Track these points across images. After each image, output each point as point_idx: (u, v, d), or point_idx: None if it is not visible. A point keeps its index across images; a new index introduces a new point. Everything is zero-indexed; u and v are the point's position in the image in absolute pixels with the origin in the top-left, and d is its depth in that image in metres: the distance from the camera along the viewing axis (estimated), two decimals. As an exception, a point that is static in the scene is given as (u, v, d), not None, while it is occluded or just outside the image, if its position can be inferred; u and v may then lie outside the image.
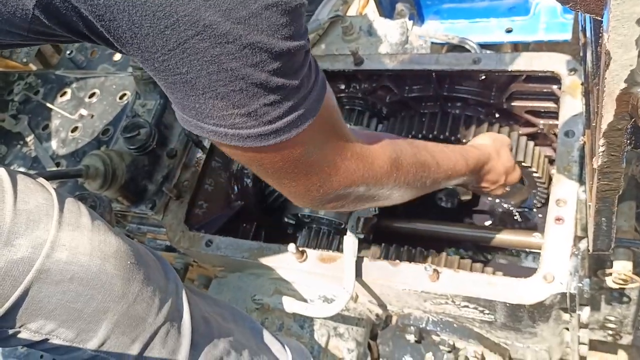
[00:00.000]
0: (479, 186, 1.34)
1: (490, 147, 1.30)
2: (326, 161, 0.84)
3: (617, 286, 1.13)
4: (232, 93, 0.68)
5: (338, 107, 0.89)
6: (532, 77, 1.37)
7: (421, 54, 1.47)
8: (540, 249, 1.51)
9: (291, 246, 1.28)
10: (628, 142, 0.59)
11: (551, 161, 1.54)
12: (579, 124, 1.22)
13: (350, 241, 1.23)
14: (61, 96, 1.82)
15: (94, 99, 1.76)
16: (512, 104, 1.47)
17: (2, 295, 0.69)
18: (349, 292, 1.18)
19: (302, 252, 1.29)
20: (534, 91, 1.41)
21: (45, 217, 0.74)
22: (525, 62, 1.33)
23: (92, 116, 1.72)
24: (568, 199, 1.16)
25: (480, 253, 1.75)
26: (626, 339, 1.53)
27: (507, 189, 1.43)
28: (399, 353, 1.39)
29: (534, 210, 1.68)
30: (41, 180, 0.79)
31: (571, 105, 1.25)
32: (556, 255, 1.11)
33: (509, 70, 1.35)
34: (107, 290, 0.77)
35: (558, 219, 1.15)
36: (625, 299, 1.31)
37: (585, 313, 1.20)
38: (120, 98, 1.72)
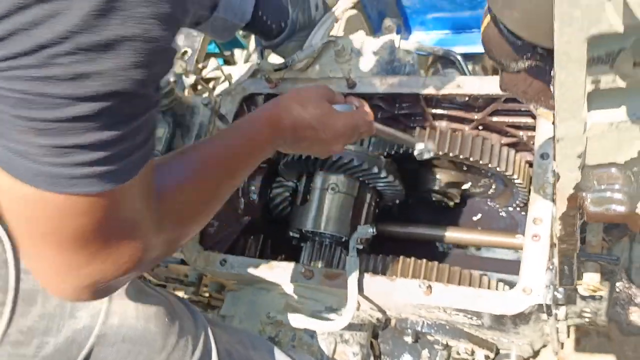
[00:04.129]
0: (303, 148, 1.17)
1: (281, 105, 1.09)
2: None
3: (587, 293, 1.29)
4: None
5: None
6: (510, 98, 1.49)
7: (409, 78, 1.58)
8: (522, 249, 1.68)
9: (298, 266, 1.43)
10: (580, 219, 0.73)
11: (531, 164, 1.68)
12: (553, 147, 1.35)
13: (352, 261, 1.38)
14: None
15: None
16: (494, 119, 1.60)
17: (70, 358, 0.83)
18: (352, 309, 1.33)
19: (309, 271, 1.44)
20: (513, 109, 1.54)
21: None
22: (505, 87, 1.45)
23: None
24: (543, 217, 1.30)
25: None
26: (602, 323, 1.71)
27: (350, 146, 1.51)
28: (399, 351, 1.56)
29: (517, 209, 1.83)
30: None
31: (545, 128, 1.38)
32: (533, 269, 1.26)
33: (490, 94, 1.47)
34: (150, 345, 0.91)
35: (535, 236, 1.30)
36: (597, 297, 1.47)
37: (561, 312, 1.36)
38: (129, 123, 1.83)
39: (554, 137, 0.57)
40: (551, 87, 0.66)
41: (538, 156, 1.36)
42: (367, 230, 1.41)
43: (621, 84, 0.49)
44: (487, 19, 0.65)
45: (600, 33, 0.43)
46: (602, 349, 2.49)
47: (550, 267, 1.25)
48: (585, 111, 0.51)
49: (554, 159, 0.58)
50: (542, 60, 0.63)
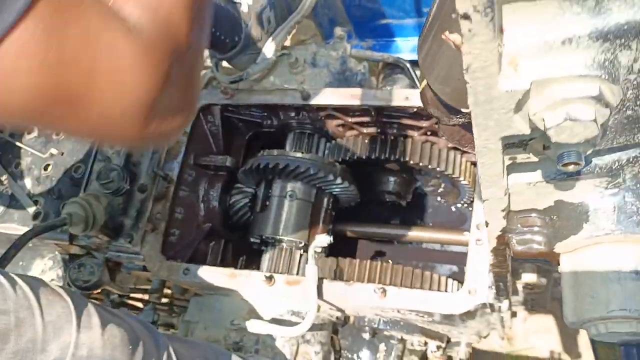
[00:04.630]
0: None
1: None
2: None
3: (527, 290, 1.42)
4: None
5: None
6: (455, 109, 1.59)
7: (362, 90, 1.65)
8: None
9: (260, 275, 1.51)
10: (509, 252, 0.83)
11: (474, 164, 1.80)
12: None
13: (311, 270, 1.46)
14: (28, 133, 1.93)
15: (61, 136, 1.88)
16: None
17: None
18: (312, 315, 1.42)
19: (270, 278, 1.52)
20: (458, 118, 1.64)
21: (66, 323, 0.94)
22: (449, 99, 1.55)
23: (62, 154, 1.85)
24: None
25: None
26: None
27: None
28: (358, 346, 1.67)
29: (465, 205, 1.95)
30: (56, 288, 0.98)
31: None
32: (477, 272, 1.38)
33: (436, 106, 1.57)
34: None
35: (478, 240, 1.41)
36: (536, 289, 1.61)
37: (504, 305, 1.48)
38: (87, 135, 1.85)
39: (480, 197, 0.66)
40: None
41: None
42: (324, 240, 1.49)
43: (534, 159, 0.58)
44: (424, 82, 0.73)
45: (511, 134, 0.51)
46: (548, 325, 2.68)
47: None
48: (505, 180, 0.60)
49: (483, 213, 0.67)
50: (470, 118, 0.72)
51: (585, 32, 0.48)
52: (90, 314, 0.99)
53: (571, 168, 0.56)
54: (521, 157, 0.58)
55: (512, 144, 0.55)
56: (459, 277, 1.81)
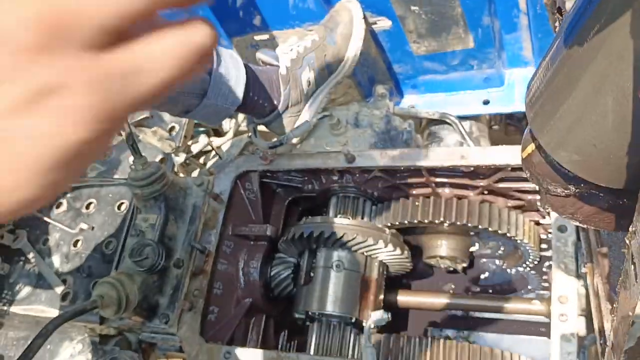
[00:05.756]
0: None
1: None
2: None
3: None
4: None
5: None
6: (517, 167, 1.45)
7: (410, 150, 1.53)
8: (539, 314, 1.61)
9: (311, 358, 1.34)
10: None
11: (538, 223, 1.63)
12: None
13: (368, 352, 1.30)
14: (57, 207, 1.84)
15: (91, 209, 1.78)
16: (500, 185, 1.55)
17: None
18: (374, 407, 1.24)
19: (322, 363, 1.35)
20: (520, 177, 1.49)
21: None
22: (511, 156, 1.41)
23: (93, 228, 1.75)
24: (569, 295, 1.24)
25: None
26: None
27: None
28: None
29: (528, 269, 1.77)
30: None
31: (559, 198, 1.33)
32: (564, 355, 1.20)
33: (496, 164, 1.43)
34: None
35: (562, 315, 1.24)
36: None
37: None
38: (119, 208, 1.75)
39: (629, 289, 0.51)
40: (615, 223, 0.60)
41: (556, 229, 1.31)
42: (381, 317, 1.34)
43: None
44: (532, 146, 0.60)
45: None
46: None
47: (583, 350, 1.19)
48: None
49: (632, 311, 0.52)
50: (597, 189, 0.58)
51: None
52: None
53: None
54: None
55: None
56: (528, 349, 1.62)
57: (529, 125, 0.59)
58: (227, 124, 2.08)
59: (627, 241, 0.48)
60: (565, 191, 0.61)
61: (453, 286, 1.91)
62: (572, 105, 0.50)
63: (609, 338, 0.72)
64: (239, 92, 1.44)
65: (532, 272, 1.78)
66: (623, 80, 0.43)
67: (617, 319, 0.63)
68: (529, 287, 1.83)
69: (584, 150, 0.51)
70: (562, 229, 1.31)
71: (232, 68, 1.42)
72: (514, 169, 1.45)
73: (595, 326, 0.95)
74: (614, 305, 0.64)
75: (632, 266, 0.49)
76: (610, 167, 0.50)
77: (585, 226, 0.65)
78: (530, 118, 0.58)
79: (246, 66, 1.48)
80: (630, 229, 0.47)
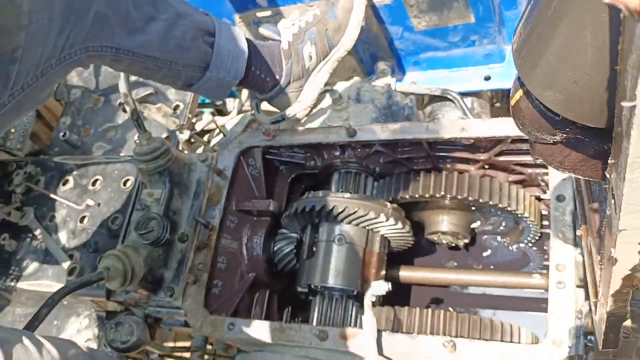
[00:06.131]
0: None
1: None
2: None
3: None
4: None
5: None
6: (517, 139, 1.45)
7: (411, 124, 1.54)
8: (540, 289, 1.63)
9: (311, 327, 1.36)
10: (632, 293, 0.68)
11: (539, 198, 1.64)
12: (568, 188, 1.32)
13: (368, 320, 1.31)
14: (64, 185, 1.86)
15: (97, 186, 1.81)
16: (500, 158, 1.56)
17: None
18: (374, 372, 1.26)
19: (324, 332, 1.37)
20: (520, 149, 1.50)
21: None
22: (511, 128, 1.42)
23: (99, 204, 1.77)
24: (567, 263, 1.25)
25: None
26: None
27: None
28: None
29: (529, 245, 1.78)
30: (89, 351, 0.86)
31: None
32: (562, 320, 1.21)
33: (496, 136, 1.44)
34: None
35: (559, 283, 1.25)
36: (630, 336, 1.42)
37: (590, 357, 1.30)
38: (124, 184, 1.77)
39: (611, 225, 0.52)
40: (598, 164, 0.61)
41: (554, 199, 1.32)
42: (382, 287, 1.35)
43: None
44: (519, 93, 0.61)
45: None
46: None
47: (579, 315, 1.20)
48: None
49: (613, 247, 0.53)
50: (582, 134, 0.59)
51: None
52: None
53: None
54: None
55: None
56: (528, 325, 1.63)
57: (517, 72, 0.60)
58: (231, 104, 2.10)
59: (607, 175, 0.50)
60: (553, 138, 0.62)
61: (455, 264, 1.92)
62: (555, 45, 0.51)
63: (598, 287, 0.73)
64: (241, 65, 1.46)
65: (534, 248, 1.79)
66: (599, 12, 0.44)
67: (604, 265, 0.65)
68: (531, 264, 1.84)
69: (567, 88, 0.52)
70: (560, 198, 1.32)
71: (233, 41, 1.44)
72: (514, 140, 1.45)
73: (590, 289, 0.96)
74: (601, 252, 0.66)
75: (612, 200, 0.50)
76: (592, 104, 0.51)
77: (574, 175, 0.67)
78: (517, 65, 0.60)
79: (248, 40, 1.50)
80: (609, 161, 0.48)
